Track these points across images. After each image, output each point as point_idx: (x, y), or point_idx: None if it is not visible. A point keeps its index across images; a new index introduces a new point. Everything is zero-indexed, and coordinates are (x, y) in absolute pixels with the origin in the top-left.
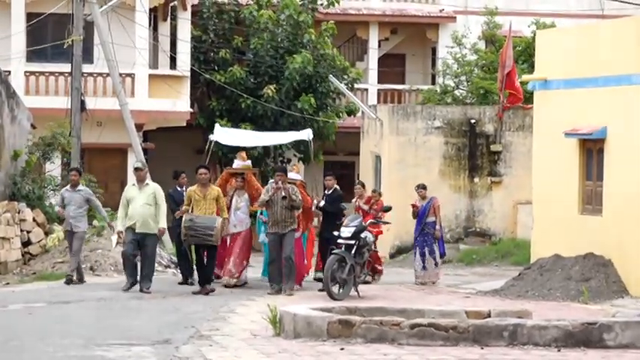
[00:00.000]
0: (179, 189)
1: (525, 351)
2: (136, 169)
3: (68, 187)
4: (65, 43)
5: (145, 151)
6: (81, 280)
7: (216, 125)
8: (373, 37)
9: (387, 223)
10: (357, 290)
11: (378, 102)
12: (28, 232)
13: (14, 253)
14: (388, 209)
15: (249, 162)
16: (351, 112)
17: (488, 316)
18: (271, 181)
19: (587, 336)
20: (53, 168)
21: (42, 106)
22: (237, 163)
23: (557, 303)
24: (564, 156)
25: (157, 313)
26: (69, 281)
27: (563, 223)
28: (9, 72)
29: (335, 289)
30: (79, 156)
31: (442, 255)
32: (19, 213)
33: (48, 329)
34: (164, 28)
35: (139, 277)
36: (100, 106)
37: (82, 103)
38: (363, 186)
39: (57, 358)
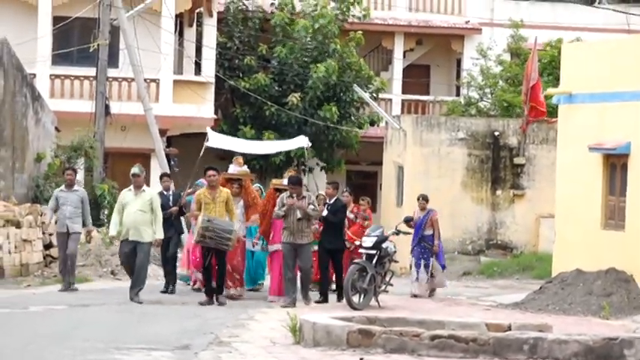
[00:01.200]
0: (165, 192)
1: None
2: (134, 175)
3: (63, 187)
4: (91, 47)
5: (167, 156)
6: (71, 285)
7: (208, 129)
8: (398, 47)
9: (409, 233)
10: (377, 300)
11: (402, 112)
12: (50, 234)
13: (36, 255)
14: (410, 219)
15: (245, 167)
16: (375, 122)
17: (509, 329)
18: (285, 194)
19: (607, 351)
20: None
21: (66, 109)
22: (234, 169)
23: (578, 317)
24: (588, 170)
25: (177, 318)
26: (66, 289)
27: (586, 238)
28: (34, 75)
29: (355, 298)
30: (102, 160)
31: (443, 267)
32: (41, 215)
33: (68, 332)
34: (189, 34)
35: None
36: (124, 111)
37: (107, 107)
38: (351, 194)
39: None
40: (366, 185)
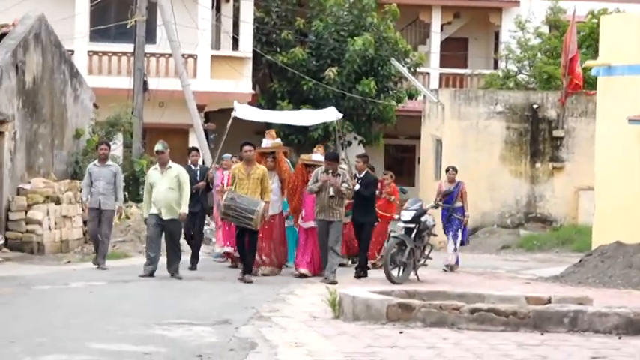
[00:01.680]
0: (193, 167)
1: (585, 337)
2: (157, 152)
3: (96, 161)
4: (128, 23)
5: (205, 132)
6: (99, 265)
7: (235, 103)
8: (436, 20)
9: (448, 207)
10: (416, 274)
11: (440, 86)
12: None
13: (75, 231)
14: (449, 193)
15: (278, 140)
16: (412, 96)
17: (549, 302)
18: (319, 169)
19: None
20: (115, 148)
21: (104, 85)
22: (266, 143)
23: (617, 290)
24: (627, 142)
25: (217, 293)
26: (102, 268)
27: (625, 210)
28: (72, 51)
29: (394, 272)
30: (140, 136)
31: (462, 243)
32: (80, 192)
33: (108, 308)
34: (227, 9)
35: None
36: (162, 87)
37: (145, 83)
38: (392, 177)
39: (118, 336)
40: (404, 159)
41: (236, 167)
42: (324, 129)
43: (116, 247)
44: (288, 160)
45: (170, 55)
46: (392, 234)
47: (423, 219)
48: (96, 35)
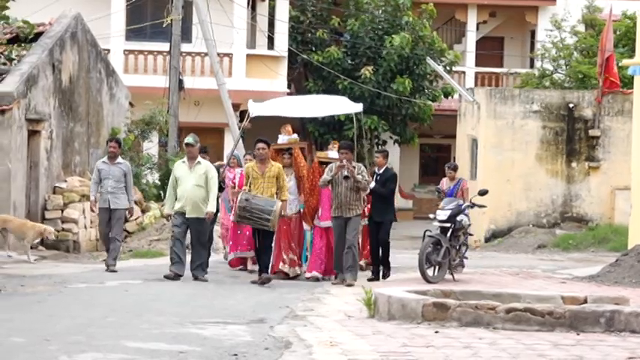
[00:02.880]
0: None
1: (622, 338)
2: (187, 145)
3: (105, 159)
4: (164, 22)
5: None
6: (109, 267)
7: (250, 102)
8: (472, 19)
9: (484, 206)
10: (452, 273)
11: (476, 85)
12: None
13: None
14: (484, 192)
15: (295, 135)
16: (448, 95)
17: (585, 302)
18: (333, 164)
19: None
20: (150, 146)
21: (140, 84)
22: (283, 138)
23: None
24: None
25: (252, 292)
26: (111, 270)
27: None
28: (108, 50)
29: (430, 271)
30: (176, 134)
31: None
32: None
33: (143, 306)
34: (262, 8)
35: (189, 267)
36: (197, 86)
37: (180, 82)
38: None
39: (153, 334)
40: (439, 158)
41: (249, 166)
42: (358, 128)
43: (151, 246)
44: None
45: (206, 54)
46: (427, 233)
47: (458, 218)
48: (132, 34)
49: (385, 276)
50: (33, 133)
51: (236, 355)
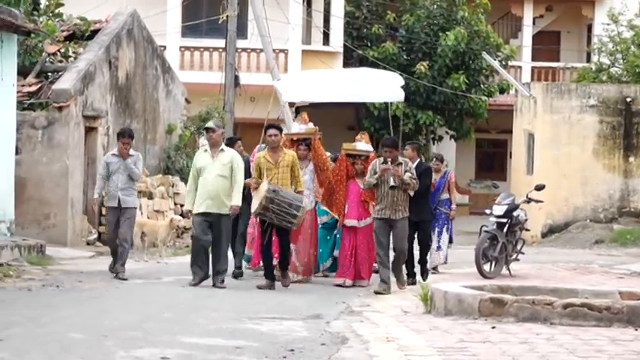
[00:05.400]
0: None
1: None
2: (208, 130)
3: (115, 151)
4: (220, 18)
5: None
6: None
7: (275, 82)
8: (528, 14)
9: (540, 201)
10: (508, 269)
11: (532, 80)
12: (181, 205)
13: None
14: (541, 187)
15: (311, 125)
16: (504, 90)
17: None
18: (377, 160)
19: None
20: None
21: (196, 80)
22: (299, 127)
23: None
24: None
25: (307, 288)
26: (120, 278)
27: None
28: (164, 47)
29: (486, 267)
30: (232, 131)
31: (451, 240)
32: (172, 187)
33: (199, 302)
34: (317, 3)
35: (211, 270)
36: (253, 82)
37: (236, 78)
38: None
39: (209, 330)
40: (495, 154)
41: (260, 155)
42: (414, 122)
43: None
44: (331, 154)
45: (261, 50)
46: (484, 228)
47: (515, 213)
48: (187, 31)
49: (424, 276)
50: (90, 130)
51: (293, 350)
